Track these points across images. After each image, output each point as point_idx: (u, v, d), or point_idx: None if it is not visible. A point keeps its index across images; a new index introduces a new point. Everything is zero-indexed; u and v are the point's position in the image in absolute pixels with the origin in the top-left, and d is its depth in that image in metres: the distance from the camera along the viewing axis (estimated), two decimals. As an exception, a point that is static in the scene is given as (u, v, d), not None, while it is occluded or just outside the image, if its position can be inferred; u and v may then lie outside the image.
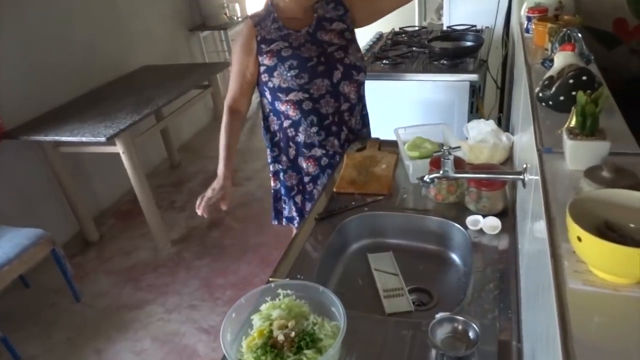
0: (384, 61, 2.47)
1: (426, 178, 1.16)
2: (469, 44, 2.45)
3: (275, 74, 1.57)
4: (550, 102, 0.96)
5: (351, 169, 1.61)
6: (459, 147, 1.17)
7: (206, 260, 2.78)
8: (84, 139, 2.47)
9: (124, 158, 2.64)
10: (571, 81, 0.92)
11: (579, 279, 0.55)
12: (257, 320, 1.00)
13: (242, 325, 1.01)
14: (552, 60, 1.08)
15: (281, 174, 1.80)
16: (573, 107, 0.80)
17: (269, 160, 1.82)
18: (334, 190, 1.53)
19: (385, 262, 1.34)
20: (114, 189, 3.47)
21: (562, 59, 1.01)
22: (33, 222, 2.51)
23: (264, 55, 1.57)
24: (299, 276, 1.19)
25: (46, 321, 2.46)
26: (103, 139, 2.42)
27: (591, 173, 0.67)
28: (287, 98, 1.60)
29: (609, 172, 0.65)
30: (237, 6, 4.73)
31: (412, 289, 1.25)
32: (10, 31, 2.67)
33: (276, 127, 1.72)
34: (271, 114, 1.70)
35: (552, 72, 1.01)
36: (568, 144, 0.75)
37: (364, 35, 3.57)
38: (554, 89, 0.95)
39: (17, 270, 2.22)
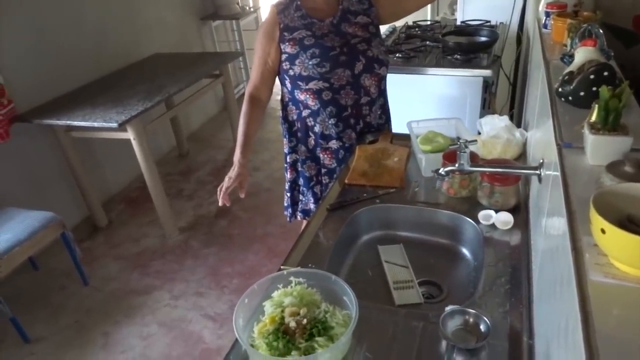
0: (397, 55, 2.45)
1: (441, 171, 1.16)
2: (483, 39, 2.44)
3: (296, 62, 1.57)
4: (570, 98, 0.96)
5: (363, 161, 1.61)
6: (475, 140, 1.16)
7: (213, 249, 2.80)
8: (95, 124, 2.48)
9: (134, 144, 2.65)
10: (592, 77, 0.92)
11: (600, 272, 0.55)
12: (268, 307, 1.01)
13: (254, 311, 1.02)
14: (571, 56, 1.07)
15: (299, 164, 1.79)
16: (594, 103, 0.80)
17: (286, 151, 1.81)
18: (346, 181, 1.53)
19: (396, 255, 1.34)
20: (123, 175, 3.49)
21: (583, 54, 1.00)
22: (43, 205, 2.54)
23: (287, 43, 1.57)
24: (310, 265, 1.20)
25: (54, 304, 2.49)
26: (115, 125, 2.43)
27: (613, 168, 0.67)
28: (307, 87, 1.60)
29: (632, 167, 0.65)
30: (249, -4, 4.71)
31: (422, 282, 1.26)
32: (23, 16, 2.67)
33: (295, 117, 1.72)
34: (290, 103, 1.70)
35: (572, 67, 1.00)
36: (590, 138, 0.75)
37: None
38: (574, 84, 0.94)
39: (27, 252, 2.24)
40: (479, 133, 1.60)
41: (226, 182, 1.54)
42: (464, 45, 2.35)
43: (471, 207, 1.34)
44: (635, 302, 0.52)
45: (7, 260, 2.11)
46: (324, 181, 1.78)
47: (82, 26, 3.09)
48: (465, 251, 1.34)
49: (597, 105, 0.77)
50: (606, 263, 0.55)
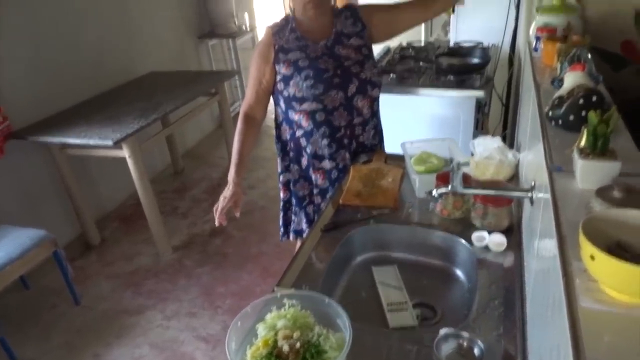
0: (391, 75, 2.49)
1: (434, 193, 1.17)
2: (476, 60, 2.48)
3: (291, 82, 1.60)
4: (560, 121, 0.97)
5: (357, 181, 1.62)
6: (468, 162, 1.17)
7: (207, 268, 2.78)
8: (91, 142, 2.48)
9: (129, 163, 2.65)
10: (581, 101, 0.93)
11: (591, 297, 0.55)
12: (262, 330, 1.00)
13: (246, 334, 1.01)
14: (561, 80, 1.09)
15: (292, 184, 1.81)
16: (584, 127, 0.81)
17: (279, 170, 1.82)
18: (340, 202, 1.53)
19: (390, 276, 1.34)
20: (117, 193, 3.48)
21: (572, 79, 1.02)
22: (36, 222, 2.52)
23: (281, 64, 1.60)
24: (304, 286, 1.19)
25: (45, 323, 2.46)
26: (110, 143, 2.43)
27: (602, 193, 0.68)
28: (301, 108, 1.62)
29: (620, 192, 0.66)
30: (246, 15, 4.78)
31: (416, 304, 1.25)
32: (21, 32, 2.69)
33: (288, 137, 1.74)
34: (284, 122, 1.72)
35: (562, 91, 1.02)
36: (579, 163, 0.76)
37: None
38: (564, 108, 0.96)
39: (18, 270, 2.22)
40: (472, 154, 1.62)
41: (221, 201, 1.54)
42: (457, 67, 2.38)
43: (465, 228, 1.34)
44: (625, 329, 0.52)
45: (-2, 279, 2.09)
46: (316, 201, 1.79)
47: (80, 44, 3.12)
48: (459, 272, 1.34)
49: (586, 130, 0.78)
50: (596, 289, 0.56)
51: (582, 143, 0.79)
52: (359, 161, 1.73)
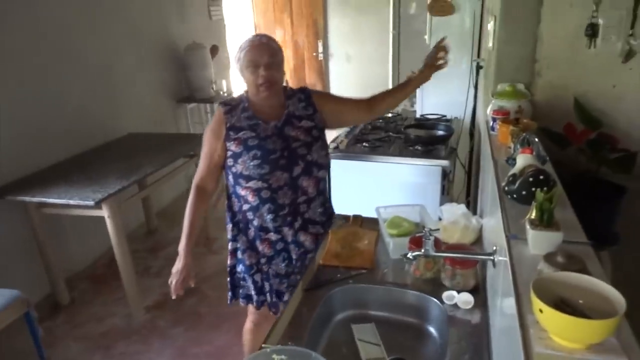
0: (364, 143, 2.70)
1: (409, 255, 1.31)
2: (440, 133, 2.72)
3: (239, 160, 1.66)
4: (515, 195, 1.14)
5: (335, 243, 1.74)
6: (438, 229, 1.32)
7: (181, 329, 2.77)
8: (72, 202, 2.52)
9: (108, 222, 2.69)
10: (531, 179, 1.11)
11: (542, 344, 0.68)
12: (253, 384, 1.07)
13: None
14: (514, 159, 1.28)
15: (239, 253, 1.85)
16: (533, 202, 0.98)
17: (229, 237, 1.86)
18: (320, 262, 1.64)
19: (368, 333, 1.44)
20: (88, 252, 3.45)
21: (522, 160, 1.21)
22: (4, 280, 2.48)
23: (232, 142, 1.67)
24: (289, 343, 1.27)
25: (9, 389, 2.36)
26: (91, 203, 2.48)
27: (549, 258, 0.83)
28: (247, 185, 1.69)
29: (562, 258, 0.81)
30: (224, 82, 5.01)
31: (393, 359, 1.35)
32: (6, 96, 2.77)
33: (237, 209, 1.80)
34: (233, 195, 1.79)
35: (515, 170, 1.20)
36: (530, 233, 0.91)
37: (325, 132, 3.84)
38: (517, 185, 1.14)
39: (-12, 332, 2.17)
40: (440, 219, 1.78)
41: (174, 275, 1.67)
42: (424, 138, 2.61)
43: (435, 287, 1.47)
44: (569, 368, 0.65)
45: (-33, 340, 2.04)
46: (264, 269, 1.83)
47: (62, 104, 3.20)
48: (431, 329, 1.45)
49: (535, 206, 0.95)
50: (547, 337, 0.69)
51: (532, 216, 0.95)
52: (336, 224, 1.87)
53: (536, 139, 1.31)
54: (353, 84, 6.92)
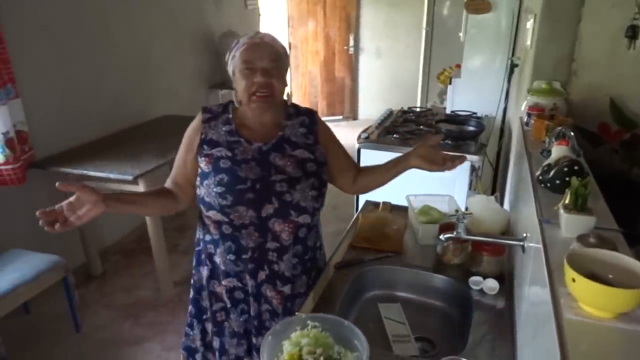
0: (394, 135, 2.74)
1: (442, 237, 1.36)
2: (471, 128, 2.74)
3: (204, 183, 1.34)
4: (549, 184, 1.18)
5: (366, 226, 1.80)
6: (471, 213, 1.37)
7: (206, 304, 2.86)
8: (111, 176, 2.64)
9: (143, 198, 2.80)
10: (566, 169, 1.15)
11: (572, 312, 0.73)
12: (287, 346, 1.14)
13: (273, 349, 1.15)
14: (549, 151, 1.32)
15: (192, 291, 1.53)
16: (567, 189, 1.02)
17: (194, 263, 1.54)
18: (352, 243, 1.71)
19: (394, 312, 1.50)
20: (120, 228, 3.59)
21: (557, 151, 1.25)
22: (44, 248, 2.62)
23: (203, 158, 1.35)
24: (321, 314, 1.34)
25: (45, 349, 2.50)
26: (130, 178, 2.59)
27: (581, 238, 0.87)
28: (207, 214, 1.37)
29: (594, 239, 0.86)
30: (256, 71, 5.11)
31: (417, 338, 1.40)
32: (51, 76, 2.92)
33: (201, 236, 1.48)
34: (200, 218, 1.46)
35: (550, 160, 1.24)
36: (564, 216, 0.96)
37: (376, 111, 3.90)
38: (551, 174, 1.18)
39: (30, 293, 2.31)
40: (467, 209, 1.82)
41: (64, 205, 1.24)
42: (455, 133, 2.64)
43: (462, 273, 1.52)
44: (596, 334, 0.70)
45: (11, 298, 2.18)
46: (218, 318, 1.49)
47: (101, 89, 3.35)
48: (456, 312, 1.50)
49: (569, 192, 0.99)
50: (576, 306, 0.74)
51: (567, 201, 0.99)
52: (367, 209, 1.93)
53: (571, 133, 1.34)
54: (382, 79, 6.96)
